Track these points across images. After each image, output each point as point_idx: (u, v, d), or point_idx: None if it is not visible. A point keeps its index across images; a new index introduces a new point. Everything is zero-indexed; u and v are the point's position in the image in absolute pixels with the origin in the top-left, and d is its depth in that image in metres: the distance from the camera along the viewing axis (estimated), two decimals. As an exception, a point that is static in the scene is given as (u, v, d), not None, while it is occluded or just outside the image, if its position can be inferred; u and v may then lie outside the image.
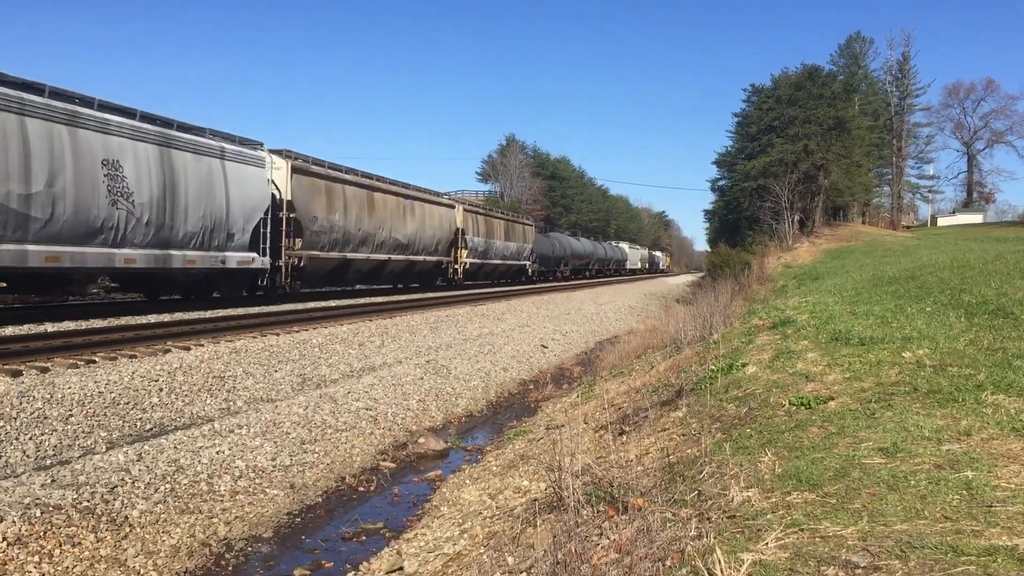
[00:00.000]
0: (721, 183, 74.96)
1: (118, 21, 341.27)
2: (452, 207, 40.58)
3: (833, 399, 6.76)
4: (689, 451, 6.57)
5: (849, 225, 70.94)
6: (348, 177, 29.40)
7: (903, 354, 7.91)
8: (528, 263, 54.11)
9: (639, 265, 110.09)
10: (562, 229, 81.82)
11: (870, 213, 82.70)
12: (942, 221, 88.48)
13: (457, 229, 40.33)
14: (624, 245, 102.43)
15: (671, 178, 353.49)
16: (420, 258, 35.83)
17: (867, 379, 7.24)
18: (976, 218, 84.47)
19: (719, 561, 3.65)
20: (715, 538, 4.16)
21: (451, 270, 40.34)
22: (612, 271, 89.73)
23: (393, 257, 32.70)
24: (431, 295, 33.25)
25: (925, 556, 3.48)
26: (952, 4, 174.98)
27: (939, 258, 23.60)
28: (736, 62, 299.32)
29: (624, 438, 8.73)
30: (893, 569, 3.40)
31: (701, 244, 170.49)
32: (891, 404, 6.19)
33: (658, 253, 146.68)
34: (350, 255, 28.63)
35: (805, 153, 57.77)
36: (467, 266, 41.75)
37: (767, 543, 3.89)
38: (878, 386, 6.90)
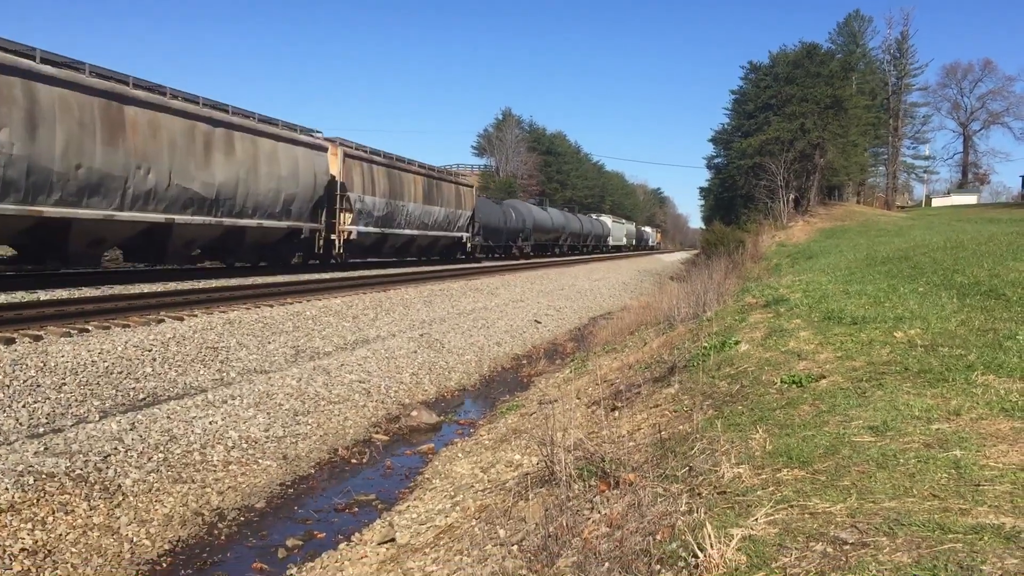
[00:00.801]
0: (717, 161, 74.86)
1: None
2: (323, 149, 28.25)
3: (824, 377, 6.80)
4: (681, 427, 6.61)
5: (844, 205, 70.95)
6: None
7: (895, 334, 7.95)
8: (466, 235, 42.83)
9: (624, 242, 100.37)
10: (557, 204, 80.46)
11: (865, 193, 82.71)
12: (937, 202, 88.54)
13: (332, 180, 28.72)
14: (606, 219, 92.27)
15: (667, 155, 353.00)
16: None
17: (859, 358, 7.28)
18: (971, 199, 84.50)
19: (709, 536, 3.68)
20: (705, 513, 4.20)
21: (319, 242, 28.88)
22: (590, 248, 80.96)
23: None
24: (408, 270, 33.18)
25: (913, 533, 3.52)
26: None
27: (933, 239, 23.66)
28: (734, 39, 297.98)
29: (616, 414, 8.77)
30: (881, 545, 3.44)
31: (696, 222, 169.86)
32: (882, 383, 6.23)
33: (647, 229, 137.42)
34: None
35: (801, 132, 57.65)
36: (350, 235, 29.77)
37: (757, 519, 3.93)
38: (869, 365, 6.93)
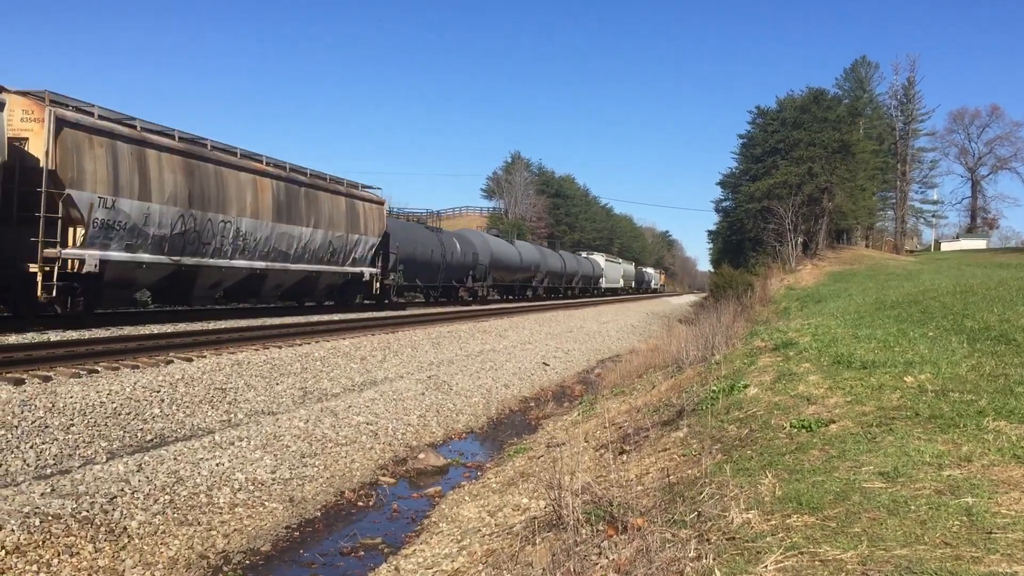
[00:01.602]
0: (725, 204, 75.08)
1: (116, 23, 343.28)
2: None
3: (834, 422, 6.76)
4: (689, 471, 6.56)
5: (852, 248, 70.95)
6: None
7: (905, 378, 7.91)
8: (370, 271, 31.12)
9: (620, 284, 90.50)
10: (566, 247, 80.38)
11: (873, 237, 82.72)
12: (945, 246, 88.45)
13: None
14: (598, 257, 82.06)
15: (675, 198, 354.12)
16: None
17: (869, 403, 7.24)
18: (980, 244, 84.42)
19: (718, 583, 3.64)
20: (714, 559, 4.16)
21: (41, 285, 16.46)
22: (576, 290, 70.79)
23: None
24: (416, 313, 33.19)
25: (924, 581, 3.48)
26: (958, 31, 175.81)
27: (942, 283, 23.61)
28: (741, 84, 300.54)
29: (624, 457, 8.72)
30: (892, 594, 3.40)
31: (704, 264, 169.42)
32: (892, 428, 6.19)
33: (649, 270, 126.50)
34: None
35: (809, 176, 57.90)
36: (79, 267, 17.08)
37: (766, 566, 3.89)
38: (880, 410, 6.89)
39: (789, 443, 6.45)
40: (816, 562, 3.88)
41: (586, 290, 74.60)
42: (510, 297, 53.55)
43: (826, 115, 60.12)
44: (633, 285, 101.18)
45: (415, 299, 40.18)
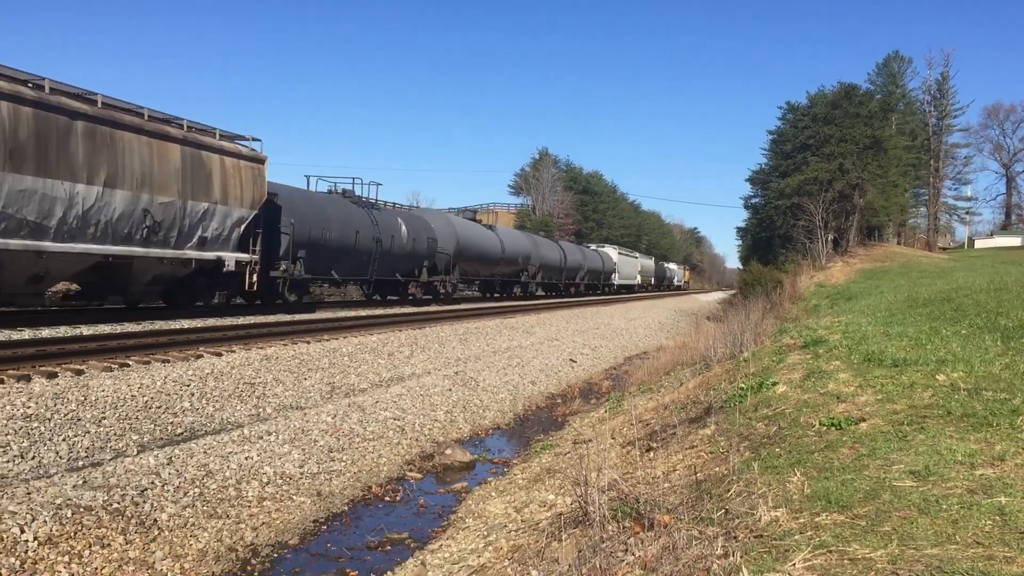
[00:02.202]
0: (754, 200, 74.54)
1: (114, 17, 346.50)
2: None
3: (864, 420, 6.68)
4: (717, 469, 6.52)
5: (884, 245, 70.19)
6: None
7: (937, 377, 7.81)
8: (239, 257, 21.17)
9: (637, 280, 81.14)
10: (593, 243, 79.37)
11: (906, 234, 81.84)
12: (979, 243, 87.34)
13: None
14: (610, 250, 72.87)
15: (704, 195, 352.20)
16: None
17: (900, 401, 7.15)
18: (1015, 240, 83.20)
19: (745, 580, 3.62)
20: (742, 557, 4.13)
21: None
22: (581, 287, 60.80)
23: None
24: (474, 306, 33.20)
25: (956, 581, 3.43)
26: (993, 25, 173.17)
27: (975, 280, 23.27)
28: (772, 79, 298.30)
29: (651, 454, 8.69)
30: (923, 594, 3.35)
31: (733, 261, 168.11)
32: (924, 427, 6.11)
33: (672, 266, 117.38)
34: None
35: (840, 172, 57.31)
36: None
37: (795, 564, 3.85)
38: (911, 408, 6.81)
39: (818, 441, 6.39)
40: (845, 561, 3.84)
41: (594, 287, 65.42)
42: (493, 295, 45.34)
43: (858, 111, 59.45)
44: (652, 282, 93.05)
45: (328, 298, 33.22)
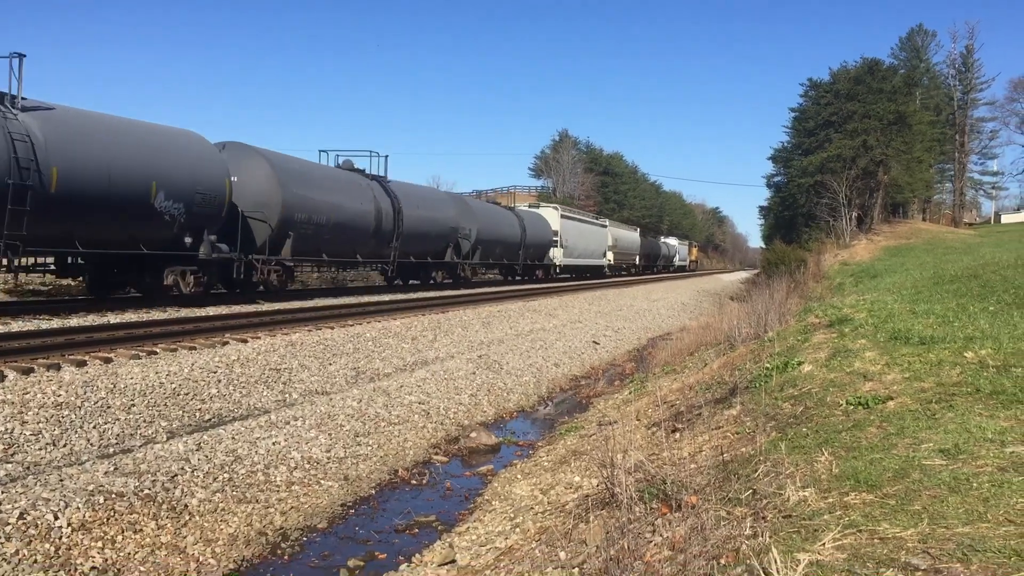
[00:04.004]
0: (777, 179, 73.86)
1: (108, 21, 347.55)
2: None
3: (892, 399, 6.64)
4: (743, 449, 6.51)
5: (909, 222, 69.46)
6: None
7: (965, 354, 7.73)
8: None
9: (607, 259, 61.49)
10: (614, 224, 77.42)
11: (931, 210, 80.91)
12: (1006, 218, 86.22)
13: None
14: (550, 214, 48.92)
15: (726, 174, 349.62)
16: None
17: (927, 379, 7.09)
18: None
19: (775, 560, 3.61)
20: (771, 537, 4.13)
21: None
22: (498, 267, 42.37)
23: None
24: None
25: (987, 560, 3.41)
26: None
27: (1003, 256, 22.99)
28: (794, 56, 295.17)
29: (677, 435, 8.68)
30: (954, 572, 3.34)
31: (756, 241, 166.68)
32: (952, 405, 6.06)
33: (672, 241, 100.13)
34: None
35: (864, 149, 56.69)
36: None
37: (824, 543, 3.85)
38: (939, 386, 6.75)
39: (845, 420, 6.36)
40: (875, 540, 3.83)
41: (532, 272, 45.99)
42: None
43: (881, 86, 58.68)
44: (638, 262, 75.66)
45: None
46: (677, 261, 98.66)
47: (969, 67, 77.54)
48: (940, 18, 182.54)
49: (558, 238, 48.39)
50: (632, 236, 74.17)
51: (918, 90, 68.31)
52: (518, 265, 42.58)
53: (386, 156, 30.34)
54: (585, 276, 55.55)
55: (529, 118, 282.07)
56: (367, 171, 29.10)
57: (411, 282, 32.85)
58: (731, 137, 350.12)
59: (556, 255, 48.55)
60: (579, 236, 53.86)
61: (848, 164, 56.11)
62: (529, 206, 50.28)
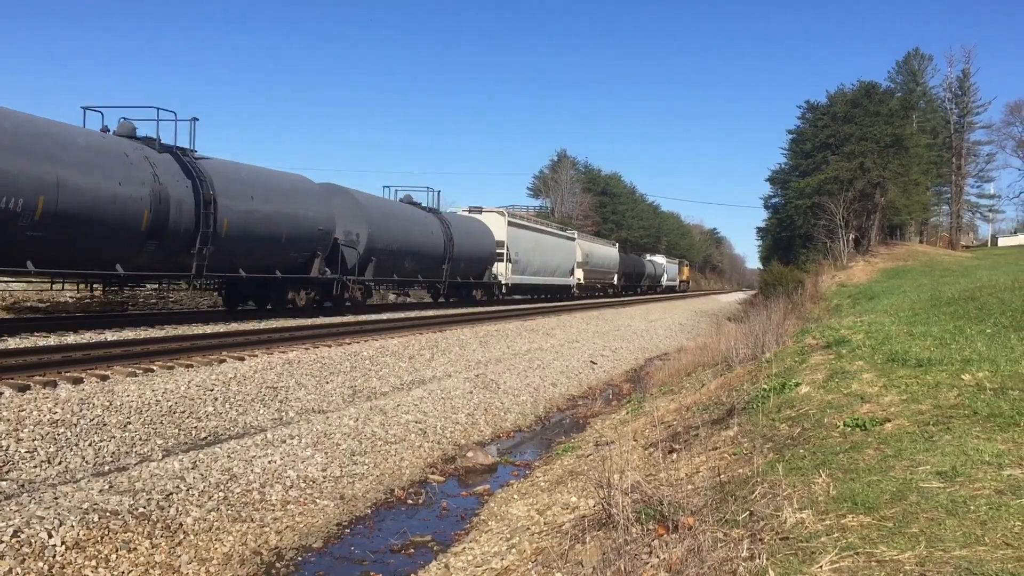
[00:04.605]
0: (774, 200, 74.01)
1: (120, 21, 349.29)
2: None
3: (889, 421, 6.64)
4: (741, 471, 6.50)
5: (906, 244, 69.61)
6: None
7: (962, 376, 7.74)
8: None
9: (575, 278, 52.93)
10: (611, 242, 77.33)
11: (928, 232, 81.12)
12: (1003, 241, 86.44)
13: None
14: (493, 221, 40.24)
15: (724, 195, 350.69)
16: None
17: (925, 401, 7.10)
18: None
19: (772, 583, 3.60)
20: (768, 559, 4.11)
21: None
22: (440, 289, 35.30)
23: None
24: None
25: (985, 583, 3.40)
26: (1015, 21, 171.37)
27: (1000, 279, 23.04)
28: (791, 78, 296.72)
29: (674, 456, 8.66)
30: (952, 596, 3.33)
31: (753, 262, 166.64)
32: (950, 427, 6.06)
33: (659, 259, 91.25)
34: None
35: (861, 171, 56.87)
36: None
37: (821, 566, 3.83)
38: (936, 409, 6.75)
39: (843, 442, 6.35)
40: (872, 563, 3.82)
41: (437, 287, 35.66)
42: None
43: (878, 109, 58.96)
44: (617, 282, 66.43)
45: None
46: (666, 281, 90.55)
47: (965, 91, 78.02)
48: (937, 42, 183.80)
49: (504, 250, 39.44)
50: (609, 252, 65.07)
51: (915, 113, 68.64)
52: (441, 283, 33.87)
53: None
54: (544, 299, 48.21)
55: (528, 138, 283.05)
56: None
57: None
58: (729, 158, 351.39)
59: (501, 271, 39.41)
60: (534, 249, 44.10)
61: (845, 186, 56.28)
62: (469, 210, 40.91)
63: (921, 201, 67.77)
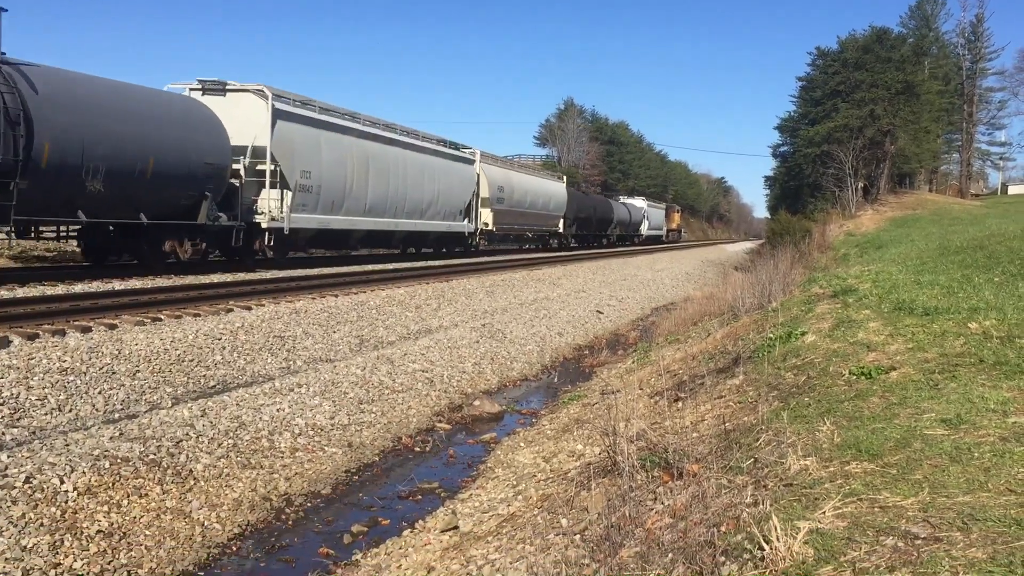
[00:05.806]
0: (783, 149, 73.35)
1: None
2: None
3: (895, 369, 6.64)
4: (746, 419, 6.53)
5: (915, 193, 69.09)
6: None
7: (969, 325, 7.72)
8: None
9: (484, 221, 36.77)
10: (619, 194, 76.06)
11: (937, 181, 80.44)
12: (1013, 189, 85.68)
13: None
14: (247, 107, 20.62)
15: (732, 144, 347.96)
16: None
17: (931, 350, 7.09)
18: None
19: (775, 528, 3.63)
20: (771, 505, 4.14)
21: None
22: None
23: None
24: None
25: (988, 529, 3.42)
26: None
27: (1009, 227, 22.87)
28: (802, 24, 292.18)
29: (679, 405, 8.70)
30: (954, 541, 3.35)
31: (761, 211, 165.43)
32: (955, 375, 6.06)
33: (637, 202, 73.29)
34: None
35: (871, 118, 56.22)
36: None
37: (824, 512, 3.86)
38: (942, 357, 6.75)
39: (848, 390, 6.36)
40: (876, 508, 3.84)
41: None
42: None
43: (890, 55, 58.07)
44: (564, 229, 49.85)
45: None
46: (647, 230, 73.23)
47: (979, 36, 76.66)
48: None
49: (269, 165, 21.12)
50: (547, 187, 47.06)
51: (927, 59, 67.55)
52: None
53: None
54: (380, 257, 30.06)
55: (534, 86, 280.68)
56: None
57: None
58: (737, 106, 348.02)
59: (267, 207, 21.29)
60: (353, 169, 25.04)
61: (855, 134, 55.68)
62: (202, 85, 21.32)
63: (931, 149, 67.05)
